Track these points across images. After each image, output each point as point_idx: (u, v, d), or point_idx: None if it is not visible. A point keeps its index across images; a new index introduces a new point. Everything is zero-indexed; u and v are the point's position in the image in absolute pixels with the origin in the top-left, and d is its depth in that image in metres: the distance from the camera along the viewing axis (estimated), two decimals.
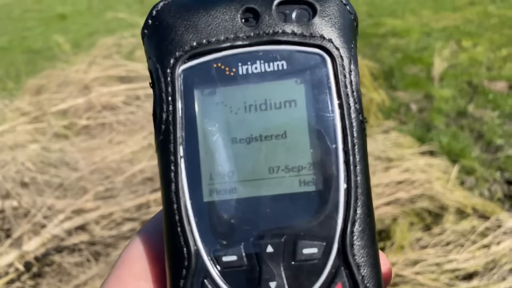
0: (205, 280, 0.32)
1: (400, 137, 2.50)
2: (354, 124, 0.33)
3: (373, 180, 2.00)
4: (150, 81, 0.35)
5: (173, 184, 0.33)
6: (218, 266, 0.32)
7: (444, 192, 2.16)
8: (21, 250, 1.94)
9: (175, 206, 0.33)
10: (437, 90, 3.23)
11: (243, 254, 0.32)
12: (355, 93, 0.33)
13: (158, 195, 2.10)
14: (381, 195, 2.01)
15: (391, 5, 5.36)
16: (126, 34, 3.80)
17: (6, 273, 1.96)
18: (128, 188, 2.14)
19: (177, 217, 0.32)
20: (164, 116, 0.33)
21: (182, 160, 0.33)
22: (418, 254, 1.88)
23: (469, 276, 1.83)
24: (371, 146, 2.23)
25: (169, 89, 0.33)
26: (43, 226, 2.01)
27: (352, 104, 0.33)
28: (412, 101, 3.12)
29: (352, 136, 0.33)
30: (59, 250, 2.03)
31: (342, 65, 0.33)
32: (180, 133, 0.33)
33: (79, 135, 2.63)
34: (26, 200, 2.08)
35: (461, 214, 2.11)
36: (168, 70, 0.33)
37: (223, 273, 0.32)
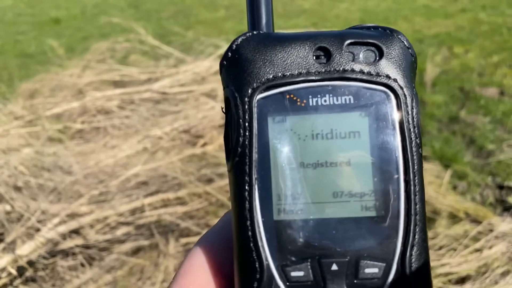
0: None
1: None
2: (415, 156, 0.36)
3: None
4: (224, 106, 0.38)
5: (247, 202, 0.35)
6: (286, 281, 0.35)
7: (437, 196, 2.18)
8: (14, 254, 1.92)
9: (248, 222, 0.35)
10: (430, 95, 3.26)
11: (310, 270, 0.35)
12: (416, 129, 0.37)
13: (153, 199, 2.10)
14: None
15: (384, 12, 5.42)
16: (120, 39, 3.80)
17: None
18: (122, 192, 2.13)
19: (250, 233, 0.35)
20: (241, 140, 0.36)
21: (257, 181, 0.36)
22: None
23: (461, 280, 1.85)
24: None
25: (247, 116, 0.36)
26: (37, 230, 2.00)
27: (413, 138, 0.36)
28: None
29: (413, 167, 0.36)
30: (53, 254, 2.02)
31: (406, 103, 0.37)
32: (255, 156, 0.36)
33: (73, 139, 2.63)
34: (19, 204, 2.07)
35: (454, 218, 2.13)
36: (246, 99, 0.37)
37: (290, 287, 0.35)
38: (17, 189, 2.18)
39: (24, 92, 3.26)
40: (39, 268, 2.00)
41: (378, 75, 0.37)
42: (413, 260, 0.35)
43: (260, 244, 0.35)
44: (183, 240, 2.02)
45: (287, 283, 0.35)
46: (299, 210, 0.36)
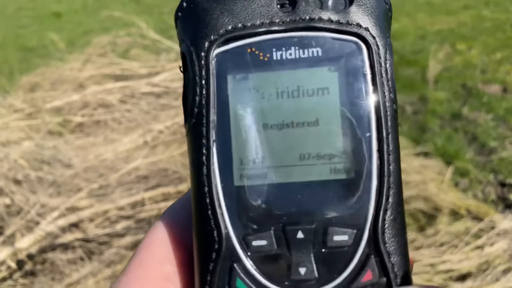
0: (235, 264, 0.32)
1: None
2: (389, 113, 0.33)
3: None
4: (181, 64, 0.35)
5: (204, 167, 0.33)
6: (247, 251, 0.32)
7: (438, 193, 2.17)
8: (13, 248, 1.92)
9: (206, 189, 0.33)
10: (432, 92, 3.24)
11: (273, 239, 0.32)
12: (390, 82, 0.33)
13: (153, 193, 2.09)
14: None
15: None
16: (121, 33, 3.79)
17: None
18: (122, 186, 2.12)
19: (208, 200, 0.33)
20: (197, 99, 0.33)
21: (215, 144, 0.33)
22: (412, 254, 1.89)
23: (462, 277, 1.84)
24: None
25: (203, 73, 0.33)
26: (37, 224, 2.00)
27: (387, 93, 0.33)
28: (407, 103, 3.14)
29: (387, 125, 0.33)
30: (52, 247, 2.02)
31: (378, 54, 0.33)
32: (212, 117, 0.33)
33: (73, 132, 2.62)
34: (19, 198, 2.06)
35: (455, 215, 2.12)
36: (203, 54, 0.33)
37: (252, 258, 0.32)
38: (17, 182, 2.17)
39: (24, 85, 3.25)
40: (38, 261, 2.00)
41: (348, 23, 0.33)
42: (386, 225, 0.32)
43: (218, 211, 0.32)
44: None
45: (248, 253, 0.32)
46: (262, 175, 0.33)
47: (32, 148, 2.32)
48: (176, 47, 3.53)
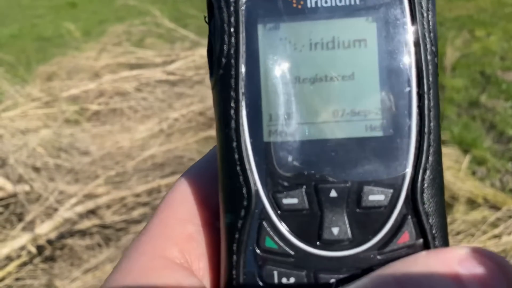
0: (264, 222, 0.31)
1: None
2: (430, 67, 0.31)
3: None
4: (207, 15, 0.33)
5: (233, 121, 0.31)
6: (277, 209, 0.31)
7: (455, 181, 2.15)
8: (33, 233, 1.96)
9: (234, 144, 0.31)
10: (449, 80, 3.19)
11: (305, 197, 0.31)
12: (432, 34, 0.31)
13: (169, 180, 2.11)
14: None
15: None
16: (136, 21, 3.80)
17: (19, 256, 1.98)
18: (138, 173, 2.15)
19: (236, 156, 0.31)
20: (225, 48, 0.31)
21: (244, 96, 0.31)
22: None
23: None
24: None
25: (232, 20, 0.31)
26: (55, 210, 2.03)
27: (429, 45, 0.31)
28: None
29: (428, 79, 0.31)
30: (71, 233, 2.05)
31: (420, 3, 0.31)
32: (242, 68, 0.31)
33: (90, 120, 2.65)
34: (38, 185, 2.10)
35: (472, 204, 2.10)
36: (232, 0, 0.31)
37: (282, 216, 0.31)
38: (36, 169, 2.21)
39: (41, 74, 3.29)
40: (57, 247, 2.04)
41: None
42: (425, 185, 0.30)
43: (248, 167, 0.31)
44: None
45: (278, 212, 0.31)
46: (293, 131, 0.31)
47: (50, 136, 2.35)
48: (191, 36, 3.53)
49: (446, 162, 2.26)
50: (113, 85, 2.78)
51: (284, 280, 0.31)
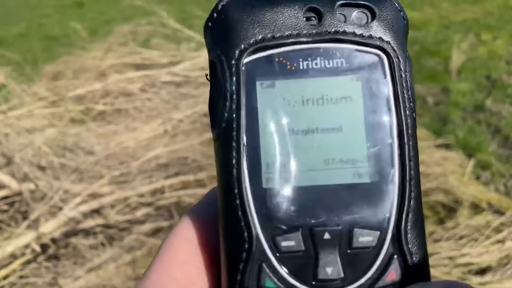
0: (263, 264, 0.33)
1: None
2: (409, 121, 0.35)
3: None
4: (209, 73, 0.37)
5: (235, 170, 0.34)
6: (276, 251, 0.34)
7: (459, 186, 2.14)
8: (38, 232, 1.97)
9: (236, 191, 0.34)
10: (455, 83, 3.18)
11: (301, 240, 0.33)
12: (410, 92, 0.35)
13: (173, 181, 2.12)
14: None
15: None
16: (142, 22, 3.81)
17: (23, 254, 2.00)
18: (143, 174, 2.16)
19: (238, 202, 0.34)
20: (228, 105, 0.34)
21: (245, 147, 0.34)
22: (431, 247, 1.87)
23: (482, 271, 1.82)
24: None
25: (234, 80, 0.34)
26: (60, 209, 2.05)
27: (407, 102, 0.35)
28: (429, 94, 3.09)
29: (408, 132, 0.35)
30: (75, 232, 2.07)
31: (399, 65, 0.35)
32: (243, 122, 0.34)
33: (95, 120, 2.66)
34: (43, 183, 2.11)
35: (476, 208, 2.09)
36: (233, 62, 0.35)
37: (280, 258, 0.33)
38: (41, 168, 2.23)
39: (48, 74, 3.31)
40: (61, 245, 2.05)
41: (370, 37, 0.35)
42: (408, 227, 0.34)
43: (248, 213, 0.33)
44: None
45: (277, 254, 0.33)
46: (289, 178, 0.34)
47: (55, 135, 2.37)
48: (197, 37, 3.54)
49: (450, 166, 2.26)
50: (118, 85, 2.79)
51: None
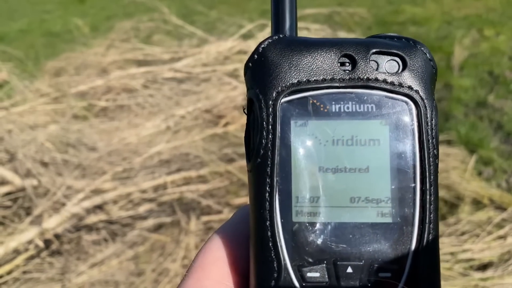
0: None
1: None
2: (432, 166, 0.37)
3: None
4: (246, 107, 0.40)
5: (267, 203, 0.37)
6: (302, 281, 0.36)
7: (461, 182, 2.14)
8: (41, 227, 1.98)
9: (268, 222, 0.37)
10: (457, 79, 3.18)
11: (326, 272, 0.36)
12: (434, 140, 0.38)
13: (175, 177, 2.12)
14: None
15: None
16: (144, 18, 3.81)
17: (26, 250, 2.01)
18: (145, 170, 2.16)
19: (269, 233, 0.36)
20: (264, 142, 0.37)
21: (277, 182, 0.37)
22: None
23: (483, 267, 1.82)
24: None
25: (270, 119, 0.37)
26: (63, 205, 2.06)
27: (431, 149, 0.37)
28: None
29: (430, 177, 0.37)
30: (78, 228, 2.08)
31: (426, 114, 0.38)
32: (277, 158, 0.37)
33: (97, 116, 2.67)
34: (46, 179, 2.12)
35: (478, 204, 2.09)
36: (271, 102, 0.37)
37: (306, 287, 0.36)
38: (44, 164, 2.24)
39: (50, 70, 3.31)
40: (64, 241, 2.06)
41: (400, 85, 0.38)
42: (425, 267, 0.36)
43: (278, 244, 0.36)
44: (204, 218, 2.05)
45: (303, 284, 0.36)
46: (317, 213, 0.37)
47: (58, 132, 2.38)
48: (198, 33, 3.53)
49: (452, 162, 2.26)
50: (120, 81, 2.79)
51: None
